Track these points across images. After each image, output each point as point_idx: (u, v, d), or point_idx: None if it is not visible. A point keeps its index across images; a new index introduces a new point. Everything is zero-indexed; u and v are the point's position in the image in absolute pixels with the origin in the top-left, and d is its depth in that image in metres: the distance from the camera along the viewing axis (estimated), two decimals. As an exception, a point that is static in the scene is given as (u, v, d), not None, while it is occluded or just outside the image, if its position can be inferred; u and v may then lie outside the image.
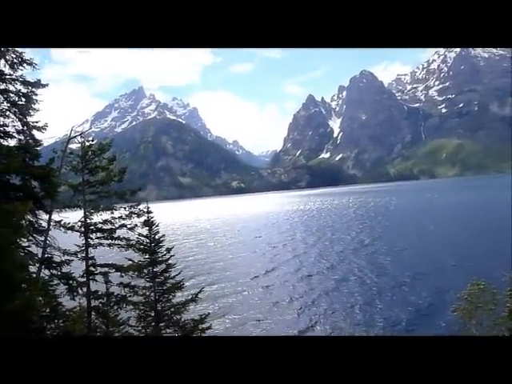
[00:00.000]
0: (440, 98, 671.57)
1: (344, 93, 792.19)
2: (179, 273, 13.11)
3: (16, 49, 12.31)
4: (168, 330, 12.10)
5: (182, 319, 12.33)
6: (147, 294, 12.49)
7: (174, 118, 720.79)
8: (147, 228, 12.59)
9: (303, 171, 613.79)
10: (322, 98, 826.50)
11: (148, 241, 12.47)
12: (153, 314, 12.16)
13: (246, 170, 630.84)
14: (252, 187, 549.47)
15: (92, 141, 15.69)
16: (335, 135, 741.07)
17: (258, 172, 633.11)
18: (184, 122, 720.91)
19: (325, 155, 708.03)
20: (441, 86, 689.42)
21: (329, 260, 39.94)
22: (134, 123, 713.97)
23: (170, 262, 12.52)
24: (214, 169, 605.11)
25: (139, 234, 12.74)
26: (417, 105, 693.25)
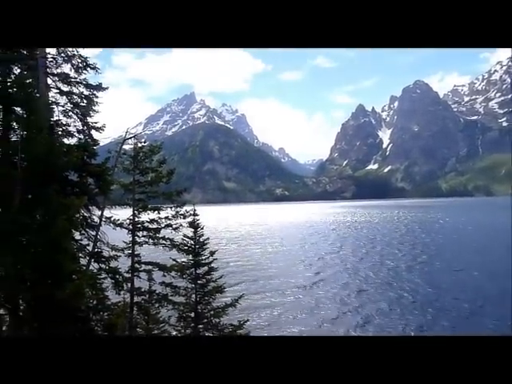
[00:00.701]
0: (501, 111, 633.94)
1: (396, 103, 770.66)
2: (221, 276, 13.26)
3: (81, 54, 13.20)
4: (206, 333, 12.28)
5: (221, 323, 12.45)
6: (188, 295, 12.73)
7: (223, 123, 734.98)
8: (192, 230, 12.86)
9: (349, 182, 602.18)
10: (373, 107, 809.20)
11: (192, 242, 12.73)
12: (193, 315, 12.37)
13: (290, 177, 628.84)
14: (296, 195, 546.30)
15: (144, 143, 16.34)
16: (384, 146, 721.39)
17: (303, 180, 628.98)
18: (232, 127, 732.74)
19: (372, 166, 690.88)
20: (502, 98, 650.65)
21: (379, 276, 37.66)
22: (183, 127, 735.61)
23: (212, 265, 12.70)
24: (259, 175, 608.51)
25: (184, 235, 13.04)
26: (475, 117, 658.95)
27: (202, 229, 12.97)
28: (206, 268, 12.64)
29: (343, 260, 46.87)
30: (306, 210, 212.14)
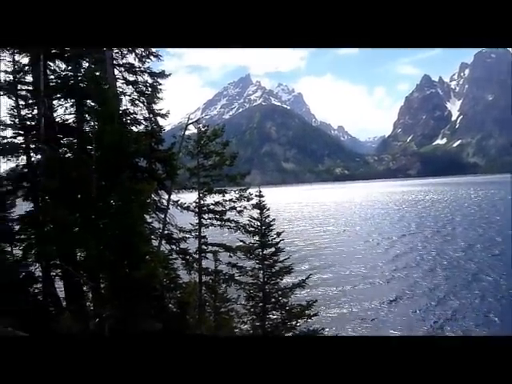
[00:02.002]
0: None
1: (466, 71, 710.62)
2: (288, 257, 13.33)
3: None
4: (274, 312, 12.47)
5: (289, 303, 12.57)
6: (256, 275, 12.95)
7: (279, 104, 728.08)
8: (258, 211, 12.96)
9: (414, 158, 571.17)
10: (440, 77, 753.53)
11: (259, 224, 12.85)
12: (261, 295, 12.59)
13: (350, 156, 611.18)
14: (356, 174, 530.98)
15: (206, 127, 16.64)
16: (453, 119, 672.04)
17: (364, 159, 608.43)
18: (289, 107, 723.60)
19: (440, 141, 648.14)
20: None
21: (453, 256, 35.02)
22: (240, 110, 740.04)
23: (279, 245, 12.77)
24: (318, 155, 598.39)
25: (251, 217, 13.20)
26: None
27: (268, 210, 13.02)
28: (272, 249, 12.73)
29: (411, 241, 44.16)
30: (369, 189, 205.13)
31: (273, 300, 12.52)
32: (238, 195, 15.54)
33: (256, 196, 13.36)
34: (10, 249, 15.38)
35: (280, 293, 12.56)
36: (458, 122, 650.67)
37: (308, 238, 49.39)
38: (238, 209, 15.46)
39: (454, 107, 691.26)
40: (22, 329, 11.04)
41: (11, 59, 15.26)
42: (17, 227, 15.56)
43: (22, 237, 15.53)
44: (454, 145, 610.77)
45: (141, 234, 10.12)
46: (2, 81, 15.05)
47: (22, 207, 15.85)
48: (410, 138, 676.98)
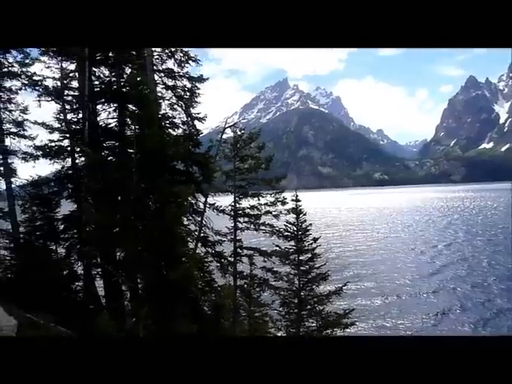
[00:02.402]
0: None
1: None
2: (325, 263, 13.04)
3: (183, 48, 13.87)
4: (310, 320, 12.22)
5: (325, 310, 12.29)
6: (291, 281, 12.76)
7: (317, 107, 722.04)
8: (294, 216, 12.79)
9: (458, 163, 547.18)
10: (487, 78, 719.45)
11: (295, 228, 12.67)
12: (296, 301, 12.38)
13: (390, 160, 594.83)
14: (396, 179, 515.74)
15: (242, 131, 16.69)
16: (502, 121, 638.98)
17: (404, 163, 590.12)
18: (326, 111, 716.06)
19: (487, 145, 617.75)
20: None
21: (508, 268, 32.61)
22: (277, 114, 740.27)
23: (315, 251, 12.52)
24: (356, 159, 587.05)
25: (287, 221, 13.04)
26: None
27: (305, 215, 12.80)
28: (309, 255, 12.50)
29: (459, 249, 41.39)
30: (409, 195, 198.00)
31: (308, 307, 12.28)
32: (273, 199, 15.44)
33: (292, 200, 13.17)
34: (54, 247, 16.11)
35: (316, 300, 12.30)
36: (507, 124, 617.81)
37: (346, 244, 48.04)
38: (274, 213, 15.35)
39: (503, 109, 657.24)
40: (65, 325, 11.47)
41: (59, 66, 16.05)
42: (61, 226, 16.29)
43: (66, 236, 16.24)
44: (502, 149, 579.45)
45: (178, 236, 10.24)
46: (50, 87, 15.84)
47: (66, 207, 16.56)
48: (453, 142, 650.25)
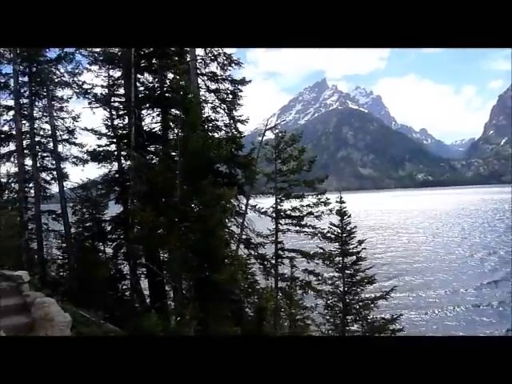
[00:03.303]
0: None
1: None
2: (371, 267, 12.67)
3: (226, 51, 14.04)
4: (355, 325, 11.89)
5: (371, 316, 11.91)
6: (335, 284, 12.49)
7: (356, 107, 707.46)
8: (338, 217, 12.53)
9: (509, 163, 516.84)
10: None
11: (339, 230, 12.41)
12: (340, 305, 12.10)
13: (434, 160, 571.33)
14: (442, 180, 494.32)
15: (283, 133, 16.63)
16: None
17: (450, 163, 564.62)
18: (366, 111, 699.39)
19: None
20: None
21: None
22: (316, 115, 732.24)
23: (360, 254, 12.19)
24: (398, 159, 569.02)
25: (331, 223, 12.80)
26: None
27: (349, 217, 12.50)
28: (353, 257, 12.18)
29: None
30: (457, 196, 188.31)
31: (353, 311, 11.95)
32: (315, 200, 15.25)
33: (336, 202, 12.90)
34: (102, 247, 16.78)
35: (361, 304, 11.95)
36: None
37: (392, 248, 45.76)
38: (316, 214, 15.15)
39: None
40: (113, 323, 11.87)
41: (106, 74, 16.75)
42: (109, 227, 16.96)
43: (113, 237, 16.88)
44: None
45: (221, 238, 10.31)
46: (99, 94, 16.56)
47: (113, 209, 17.21)
48: (504, 141, 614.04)
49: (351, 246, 12.28)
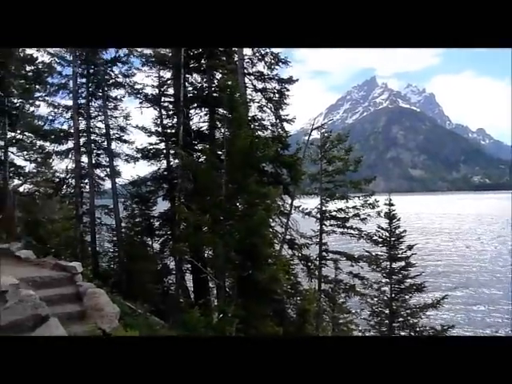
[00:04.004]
0: None
1: None
2: (421, 273, 12.06)
3: (273, 51, 14.00)
4: (402, 332, 11.39)
5: (419, 324, 11.36)
6: (381, 289, 12.05)
7: (408, 106, 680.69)
8: (386, 220, 12.07)
9: None
10: None
11: (387, 234, 11.95)
12: (387, 312, 11.64)
13: (492, 162, 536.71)
14: (500, 184, 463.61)
15: (329, 132, 16.33)
16: None
17: (510, 165, 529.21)
18: (418, 109, 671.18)
19: None
20: None
21: None
22: (364, 114, 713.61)
23: (409, 260, 11.65)
24: (452, 161, 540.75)
25: (378, 226, 12.37)
26: None
27: (398, 220, 11.99)
28: (402, 263, 11.66)
29: None
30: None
31: (400, 319, 11.44)
32: (361, 202, 14.84)
33: (384, 204, 12.43)
34: (150, 242, 17.38)
35: (409, 312, 11.41)
36: None
37: (447, 254, 42.85)
38: (362, 216, 14.74)
39: None
40: (158, 316, 12.25)
41: (157, 75, 17.32)
42: (156, 223, 17.54)
43: (161, 232, 17.43)
44: None
45: (264, 238, 10.28)
46: (149, 94, 17.15)
47: (161, 206, 17.77)
48: None
49: (400, 251, 11.76)
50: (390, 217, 11.95)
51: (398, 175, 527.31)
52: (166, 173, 16.98)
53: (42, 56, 16.42)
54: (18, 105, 17.42)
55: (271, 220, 13.13)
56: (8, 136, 16.02)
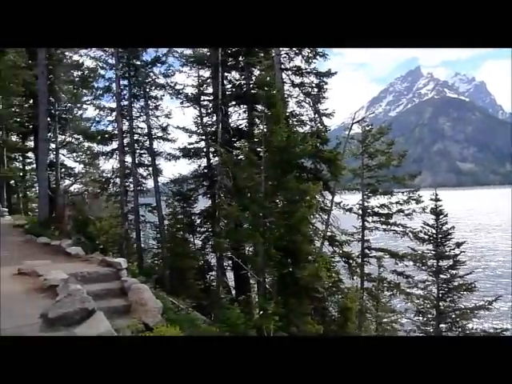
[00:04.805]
0: None
1: None
2: (471, 272, 11.42)
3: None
4: (450, 334, 10.84)
5: (469, 326, 10.77)
6: (427, 288, 11.54)
7: (455, 95, 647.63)
8: (433, 217, 11.52)
9: None
10: None
11: (433, 231, 11.41)
12: (434, 312, 11.13)
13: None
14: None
15: (370, 126, 15.86)
16: None
17: None
18: (467, 99, 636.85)
19: None
20: None
21: None
22: (409, 106, 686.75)
23: (458, 258, 11.07)
24: (505, 153, 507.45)
25: (424, 223, 11.86)
26: None
27: (446, 216, 11.40)
28: (450, 261, 11.09)
29: None
30: None
31: (448, 320, 10.88)
32: (406, 197, 14.29)
33: (431, 200, 11.87)
34: (192, 239, 17.73)
35: (458, 313, 10.83)
36: None
37: (501, 252, 40.35)
38: (406, 212, 14.20)
39: None
40: (200, 312, 12.47)
41: (196, 74, 17.59)
42: (198, 220, 17.86)
43: (202, 229, 17.73)
44: None
45: (304, 234, 10.16)
46: (189, 94, 17.46)
47: (202, 203, 18.06)
48: None
49: (447, 249, 11.19)
50: (437, 212, 11.38)
51: (445, 169, 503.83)
52: (206, 170, 17.23)
53: (87, 61, 17.22)
54: (67, 109, 18.38)
55: (311, 217, 12.96)
56: (58, 139, 16.92)
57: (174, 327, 5.17)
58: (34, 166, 20.31)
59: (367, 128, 15.52)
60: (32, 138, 20.22)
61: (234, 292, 16.62)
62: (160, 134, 16.32)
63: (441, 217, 11.25)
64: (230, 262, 16.46)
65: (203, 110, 17.63)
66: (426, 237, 11.61)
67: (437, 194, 11.49)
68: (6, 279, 5.90)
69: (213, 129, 16.89)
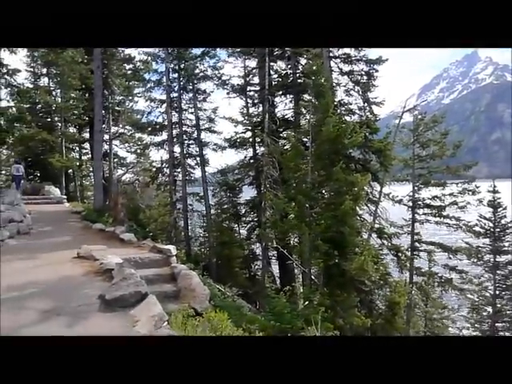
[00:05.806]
0: None
1: None
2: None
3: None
4: (507, 333, 10.26)
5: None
6: (483, 284, 10.97)
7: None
8: (490, 210, 10.88)
9: None
10: None
11: (491, 224, 10.78)
12: (490, 310, 10.57)
13: None
14: None
15: (423, 114, 15.16)
16: None
17: None
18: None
19: None
20: None
21: None
22: (464, 92, 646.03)
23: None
24: None
25: (480, 216, 11.24)
26: None
27: (505, 209, 10.72)
28: (508, 256, 10.45)
29: None
30: None
31: (506, 319, 10.28)
32: (460, 189, 13.56)
33: (488, 192, 11.19)
34: (237, 228, 17.99)
35: (517, 311, 10.23)
36: None
37: None
38: (460, 204, 13.48)
39: None
40: (245, 299, 12.69)
41: (243, 65, 17.64)
42: (243, 210, 18.08)
43: (247, 219, 17.93)
44: None
45: (351, 226, 9.96)
46: (236, 84, 17.56)
47: (248, 193, 18.24)
48: None
49: (506, 243, 10.53)
50: (495, 205, 10.70)
51: (504, 159, 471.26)
52: (252, 161, 17.33)
53: (138, 54, 17.78)
54: (119, 101, 19.16)
55: (359, 208, 12.69)
56: (112, 130, 17.70)
57: (223, 313, 5.31)
58: (90, 156, 21.42)
59: (419, 117, 14.86)
60: (88, 129, 21.33)
61: (278, 282, 16.72)
62: (207, 125, 16.61)
63: (499, 209, 10.57)
64: (275, 252, 16.54)
65: (249, 101, 17.69)
66: (482, 230, 10.99)
67: (495, 186, 10.80)
68: (67, 262, 6.33)
69: (259, 119, 16.91)
